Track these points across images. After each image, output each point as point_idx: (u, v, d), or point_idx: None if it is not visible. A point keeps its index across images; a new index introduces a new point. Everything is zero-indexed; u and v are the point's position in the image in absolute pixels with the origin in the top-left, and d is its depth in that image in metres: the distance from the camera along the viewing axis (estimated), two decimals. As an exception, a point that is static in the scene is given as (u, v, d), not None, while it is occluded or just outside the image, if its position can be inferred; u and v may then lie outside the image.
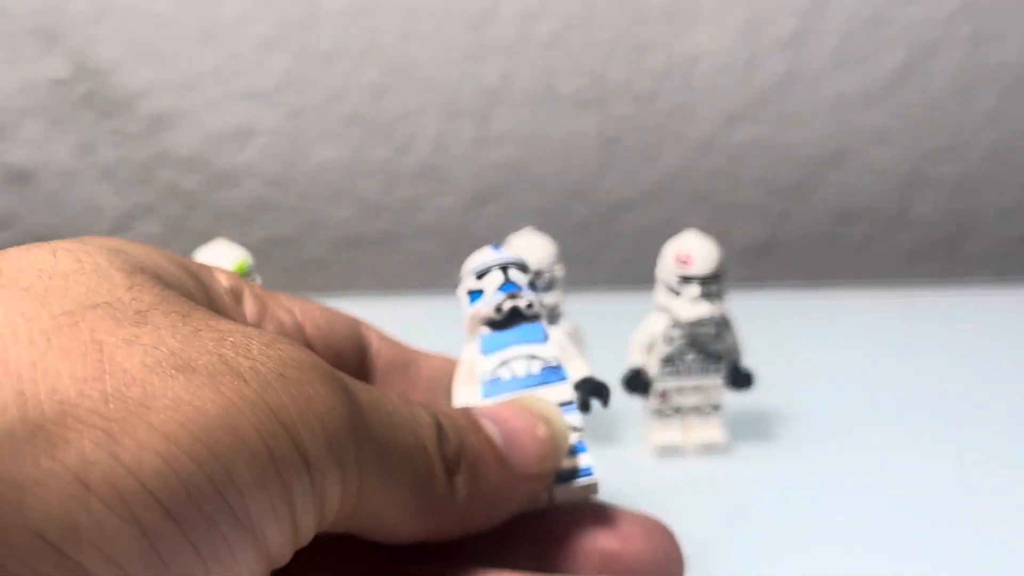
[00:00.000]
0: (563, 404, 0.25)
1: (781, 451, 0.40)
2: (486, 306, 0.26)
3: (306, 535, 0.17)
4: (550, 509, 0.24)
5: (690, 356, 0.38)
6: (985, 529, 0.33)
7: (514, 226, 0.68)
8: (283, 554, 0.17)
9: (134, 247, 0.21)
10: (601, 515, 0.24)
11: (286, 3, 0.63)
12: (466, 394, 0.26)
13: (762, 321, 0.45)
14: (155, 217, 0.67)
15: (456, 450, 0.21)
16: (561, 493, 0.24)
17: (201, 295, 0.21)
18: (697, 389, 0.39)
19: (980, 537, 0.32)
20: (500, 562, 0.24)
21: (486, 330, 0.26)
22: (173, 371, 0.16)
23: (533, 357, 0.26)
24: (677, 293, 0.37)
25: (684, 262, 0.37)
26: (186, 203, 0.67)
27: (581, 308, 0.43)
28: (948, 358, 0.50)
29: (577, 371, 0.26)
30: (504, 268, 0.27)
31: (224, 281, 0.23)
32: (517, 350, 0.26)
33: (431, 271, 0.68)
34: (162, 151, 0.65)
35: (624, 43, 0.64)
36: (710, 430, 0.39)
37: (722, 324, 0.38)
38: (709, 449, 0.39)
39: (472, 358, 0.26)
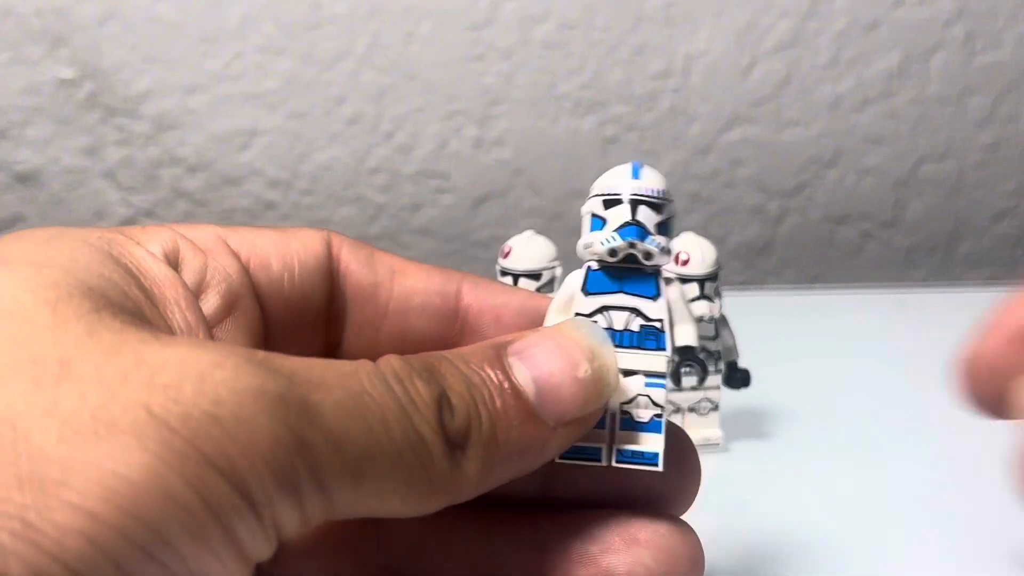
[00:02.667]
0: (651, 376, 0.22)
1: (778, 449, 0.40)
2: (599, 246, 0.23)
3: (262, 556, 0.17)
4: (598, 472, 0.22)
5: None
6: (978, 526, 0.33)
7: (514, 226, 0.69)
8: (254, 561, 0.17)
9: (59, 250, 0.19)
10: (617, 521, 0.22)
11: (289, 6, 0.63)
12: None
13: (759, 321, 0.45)
14: (159, 217, 0.67)
15: (463, 423, 0.19)
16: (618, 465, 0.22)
17: (133, 292, 0.20)
18: (695, 388, 0.39)
19: (975, 534, 0.33)
20: (491, 545, 0.23)
21: (595, 265, 0.23)
22: (94, 438, 0.15)
23: (636, 312, 0.23)
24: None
25: (682, 262, 0.38)
26: (190, 203, 0.67)
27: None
28: (943, 358, 0.50)
29: (679, 337, 0.23)
30: (635, 204, 0.23)
31: (158, 249, 0.22)
32: (621, 299, 0.23)
33: (432, 270, 0.69)
34: (166, 152, 0.66)
35: (624, 44, 0.65)
36: (707, 428, 0.40)
37: (719, 324, 0.39)
38: (706, 447, 0.40)
39: (574, 288, 0.23)
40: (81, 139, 0.65)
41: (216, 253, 0.22)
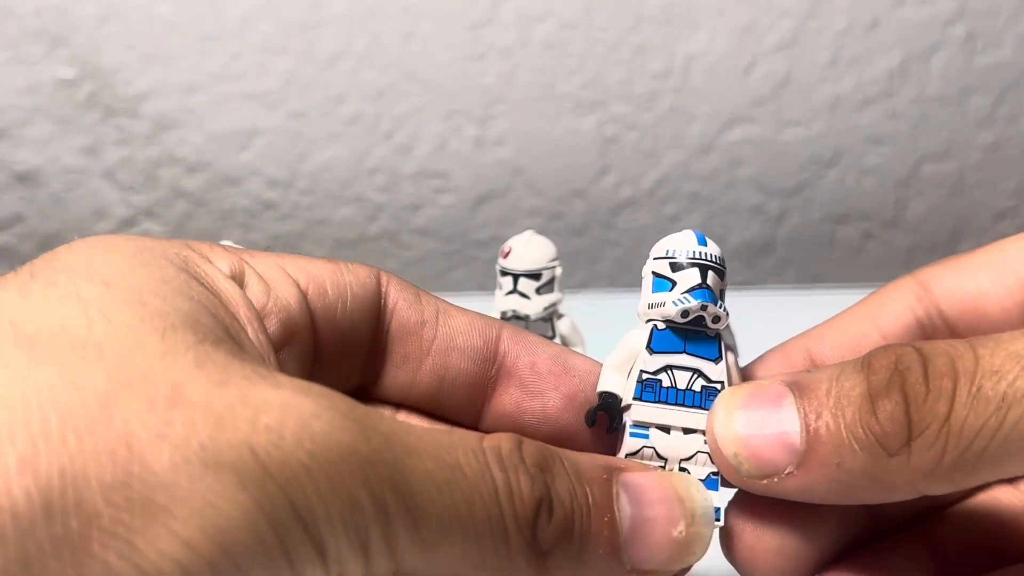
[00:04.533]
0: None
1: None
2: (672, 306, 0.24)
3: None
4: None
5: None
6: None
7: (514, 226, 0.69)
8: None
9: (148, 274, 0.20)
10: None
11: (288, 5, 0.63)
12: (614, 381, 0.24)
13: (759, 321, 0.45)
14: (159, 217, 0.68)
15: (558, 531, 0.19)
16: None
17: (219, 314, 0.20)
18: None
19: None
20: None
21: (661, 325, 0.24)
22: (201, 470, 0.16)
23: (699, 373, 0.24)
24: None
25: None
26: (190, 203, 0.67)
27: (581, 307, 0.44)
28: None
29: None
30: (704, 270, 0.24)
31: (226, 268, 0.22)
32: (685, 360, 0.24)
33: (431, 271, 0.69)
34: (166, 151, 0.66)
35: (624, 44, 0.65)
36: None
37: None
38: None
39: (637, 347, 0.24)
40: (81, 139, 0.65)
41: (278, 282, 0.23)
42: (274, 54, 0.64)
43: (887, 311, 0.26)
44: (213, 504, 0.16)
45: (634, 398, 0.24)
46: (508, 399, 0.26)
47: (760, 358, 0.27)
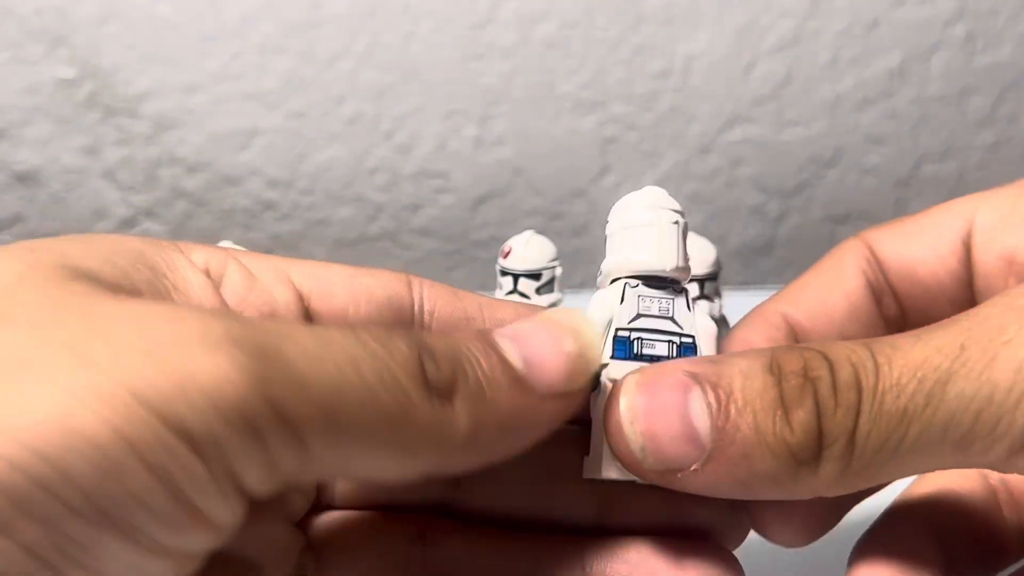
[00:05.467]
0: None
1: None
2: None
3: (224, 517, 0.16)
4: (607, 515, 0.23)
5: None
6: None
7: (514, 226, 0.69)
8: (195, 541, 0.16)
9: (78, 244, 0.19)
10: (666, 551, 0.22)
11: (288, 5, 0.63)
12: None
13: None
14: (159, 217, 0.68)
15: (449, 376, 0.19)
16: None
17: (143, 279, 0.20)
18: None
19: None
20: (537, 567, 0.23)
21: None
22: (9, 377, 0.15)
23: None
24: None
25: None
26: (190, 203, 0.67)
27: (581, 307, 0.44)
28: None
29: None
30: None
31: (200, 259, 0.22)
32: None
33: (431, 271, 0.69)
34: (166, 151, 0.66)
35: (624, 44, 0.65)
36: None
37: (719, 323, 0.39)
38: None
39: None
40: (81, 139, 0.65)
41: (268, 281, 0.22)
42: (274, 54, 0.64)
43: (846, 276, 0.27)
44: (18, 406, 0.14)
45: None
46: None
47: (742, 322, 0.27)
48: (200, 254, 0.22)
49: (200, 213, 0.67)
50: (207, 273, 0.21)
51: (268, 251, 0.65)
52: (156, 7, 0.63)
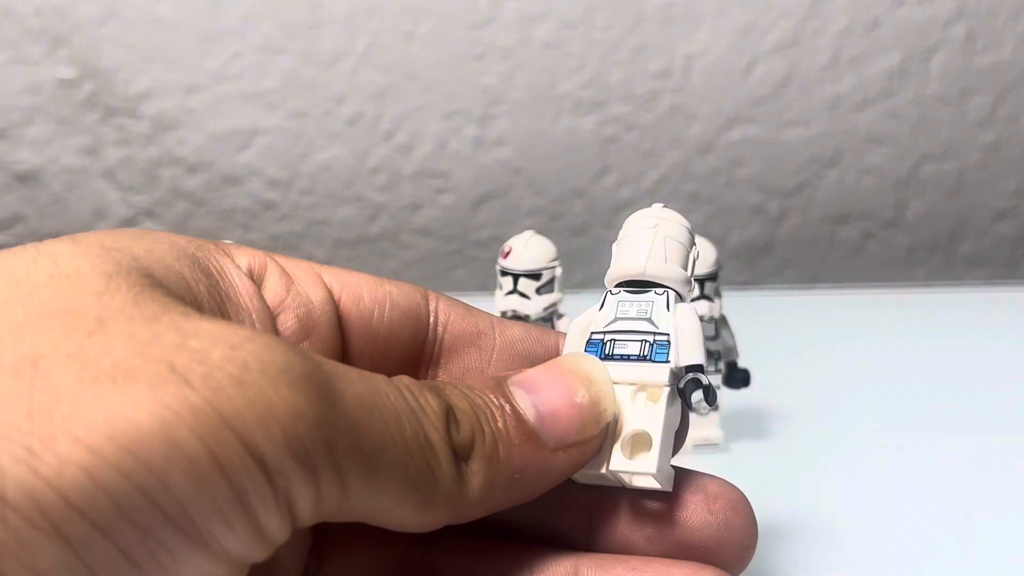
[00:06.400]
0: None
1: (777, 449, 0.40)
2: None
3: (277, 536, 0.17)
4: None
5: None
6: (978, 522, 0.33)
7: (514, 226, 0.69)
8: (251, 554, 0.17)
9: (139, 243, 0.20)
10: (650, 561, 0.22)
11: (288, 6, 0.63)
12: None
13: (759, 321, 0.45)
14: (159, 217, 0.67)
15: (468, 437, 0.20)
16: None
17: (204, 289, 0.21)
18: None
19: (972, 530, 0.33)
20: (538, 531, 0.23)
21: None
22: (110, 384, 0.15)
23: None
24: (675, 293, 0.38)
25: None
26: (190, 203, 0.67)
27: (581, 307, 0.44)
28: (943, 357, 0.50)
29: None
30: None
31: (244, 263, 0.23)
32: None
33: (431, 271, 0.69)
34: (166, 151, 0.66)
35: (624, 44, 0.65)
36: (707, 428, 0.40)
37: (719, 323, 0.39)
38: (706, 447, 0.40)
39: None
40: (81, 139, 0.65)
41: (303, 281, 0.23)
42: (274, 54, 0.64)
43: None
44: (120, 413, 0.15)
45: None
46: None
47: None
48: (243, 257, 0.23)
49: (200, 213, 0.67)
50: (251, 275, 0.22)
51: (269, 251, 0.65)
52: (156, 7, 0.63)
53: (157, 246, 0.21)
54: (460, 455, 0.20)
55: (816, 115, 0.67)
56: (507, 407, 0.21)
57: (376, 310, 0.24)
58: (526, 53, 0.65)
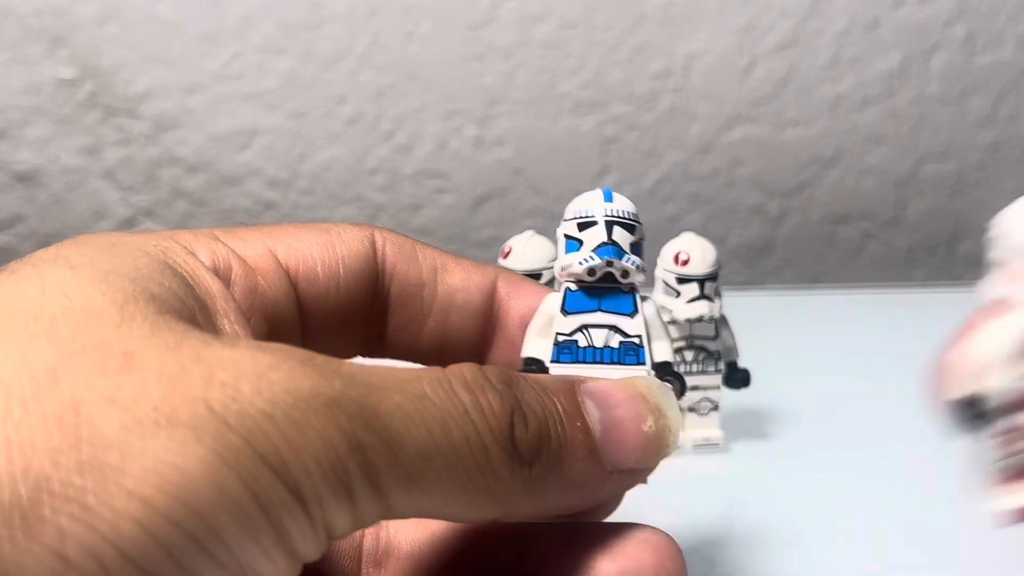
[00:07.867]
0: None
1: (778, 449, 0.40)
2: (578, 266, 0.24)
3: (312, 555, 0.17)
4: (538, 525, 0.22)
5: (688, 355, 0.39)
6: (980, 524, 0.33)
7: (514, 226, 0.69)
8: (282, 574, 0.17)
9: (123, 260, 0.20)
10: (598, 533, 0.22)
11: (288, 6, 0.63)
12: (537, 347, 0.24)
13: (759, 321, 0.45)
14: (159, 217, 0.68)
15: (535, 439, 0.19)
16: None
17: (192, 301, 0.21)
18: (695, 388, 0.39)
19: (977, 532, 0.33)
20: None
21: (572, 286, 0.24)
22: (154, 428, 0.16)
23: (615, 330, 0.24)
24: (676, 293, 0.38)
25: (682, 263, 0.38)
26: (190, 203, 0.67)
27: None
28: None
29: (657, 353, 0.24)
30: (610, 225, 0.24)
31: (207, 258, 0.22)
32: (600, 317, 0.24)
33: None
34: (166, 151, 0.66)
35: (624, 44, 0.65)
36: (707, 428, 0.40)
37: (719, 324, 0.39)
38: (706, 446, 0.40)
39: (552, 310, 0.24)
40: (81, 139, 0.65)
41: (266, 273, 0.23)
42: (274, 54, 0.64)
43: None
44: (167, 460, 0.15)
45: (552, 361, 0.24)
46: (502, 355, 0.26)
47: None
48: (204, 252, 0.22)
49: (200, 213, 0.67)
50: (216, 271, 0.22)
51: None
52: (156, 7, 0.63)
53: (139, 262, 0.20)
54: (523, 457, 0.19)
55: (816, 115, 0.67)
56: (576, 417, 0.20)
57: (331, 285, 0.24)
58: (526, 53, 0.65)
